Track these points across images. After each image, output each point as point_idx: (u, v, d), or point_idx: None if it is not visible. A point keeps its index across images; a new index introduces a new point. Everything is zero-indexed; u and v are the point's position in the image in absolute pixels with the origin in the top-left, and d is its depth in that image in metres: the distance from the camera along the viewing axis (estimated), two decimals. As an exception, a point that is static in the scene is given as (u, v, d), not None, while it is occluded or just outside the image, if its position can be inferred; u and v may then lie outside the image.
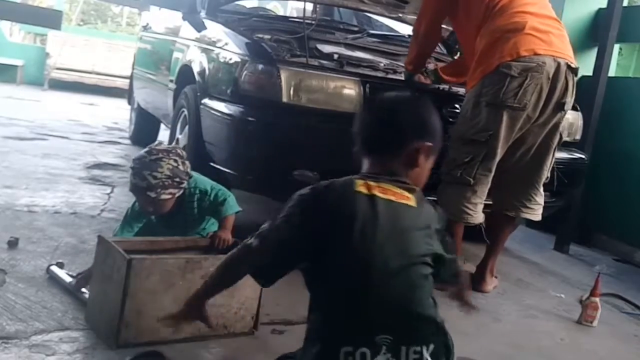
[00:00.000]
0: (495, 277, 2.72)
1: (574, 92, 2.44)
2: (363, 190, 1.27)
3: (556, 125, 2.47)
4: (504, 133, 2.34)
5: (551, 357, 2.13)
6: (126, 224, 2.13)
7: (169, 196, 1.99)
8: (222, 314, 1.79)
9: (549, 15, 2.45)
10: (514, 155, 2.46)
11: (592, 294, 2.44)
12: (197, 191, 2.09)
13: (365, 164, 1.38)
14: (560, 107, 2.41)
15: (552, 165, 2.56)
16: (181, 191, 2.03)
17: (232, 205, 2.10)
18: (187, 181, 2.05)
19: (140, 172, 1.96)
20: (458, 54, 2.96)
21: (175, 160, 2.00)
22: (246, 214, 2.17)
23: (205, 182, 2.13)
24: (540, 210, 2.57)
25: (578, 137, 2.98)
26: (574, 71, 2.39)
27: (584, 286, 2.88)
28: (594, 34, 3.98)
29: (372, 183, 1.29)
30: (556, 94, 2.37)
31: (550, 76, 2.32)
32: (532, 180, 2.53)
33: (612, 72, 4.11)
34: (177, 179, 2.00)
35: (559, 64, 2.33)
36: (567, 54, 2.37)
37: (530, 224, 3.53)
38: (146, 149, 2.04)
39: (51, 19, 3.70)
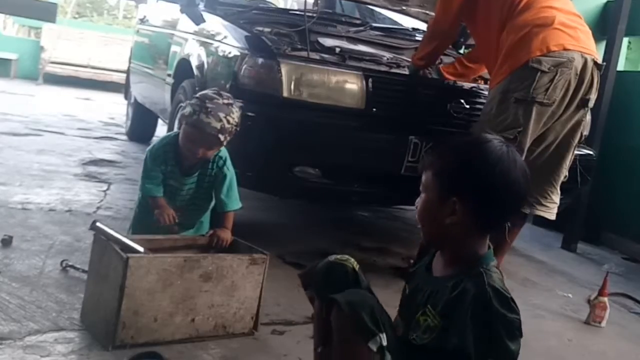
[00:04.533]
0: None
1: (598, 88, 2.43)
2: None
3: (578, 123, 2.45)
4: (531, 129, 2.32)
5: (559, 358, 2.10)
6: (147, 176, 2.04)
7: (225, 143, 1.99)
8: (222, 314, 1.77)
9: (573, 11, 2.44)
10: (533, 152, 2.43)
11: (601, 293, 2.42)
12: (224, 157, 2.07)
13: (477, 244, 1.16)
14: (584, 103, 2.40)
15: (571, 163, 2.53)
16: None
17: (236, 199, 2.08)
18: None
19: (217, 113, 1.92)
20: (463, 48, 2.92)
21: (240, 109, 2.01)
22: (246, 211, 2.13)
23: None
24: (555, 209, 2.54)
25: (586, 132, 2.94)
26: (599, 67, 2.38)
27: (592, 285, 2.86)
28: (602, 27, 3.94)
29: None
30: (582, 90, 2.36)
31: (578, 72, 2.31)
32: (549, 178, 2.50)
33: (620, 66, 4.09)
34: (238, 128, 1.99)
35: (586, 60, 2.32)
36: (593, 50, 2.37)
37: (537, 222, 3.51)
38: (213, 91, 2.00)
39: (46, 12, 3.62)
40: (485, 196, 1.11)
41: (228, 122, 1.94)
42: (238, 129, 1.99)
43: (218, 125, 1.92)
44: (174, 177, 2.07)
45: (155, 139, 5.19)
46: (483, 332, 1.04)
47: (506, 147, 1.13)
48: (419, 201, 1.19)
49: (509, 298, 1.08)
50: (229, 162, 2.08)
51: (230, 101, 1.99)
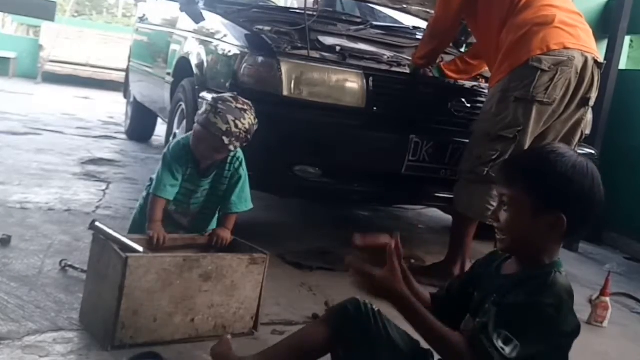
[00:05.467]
0: None
1: (599, 87, 2.42)
2: None
3: (579, 122, 2.44)
4: (531, 128, 2.30)
5: (560, 359, 2.08)
6: (169, 173, 1.97)
7: (233, 149, 1.95)
8: (221, 314, 1.76)
9: (574, 10, 2.43)
10: None
11: (602, 293, 2.41)
12: (240, 159, 2.03)
13: (554, 250, 1.21)
14: (585, 102, 2.39)
15: None
16: (240, 147, 1.99)
17: (246, 200, 2.06)
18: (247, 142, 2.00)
19: (225, 115, 1.91)
20: (464, 47, 2.91)
21: (255, 118, 1.98)
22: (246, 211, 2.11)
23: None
24: None
25: (588, 131, 2.93)
26: (600, 66, 2.38)
27: (594, 285, 2.84)
28: (604, 25, 3.93)
29: None
30: (582, 89, 2.35)
31: (578, 71, 2.30)
32: None
33: (622, 65, 4.07)
34: (249, 137, 1.96)
35: (586, 59, 2.31)
36: (593, 48, 2.36)
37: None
38: (230, 95, 1.99)
39: (45, 10, 3.61)
40: (588, 209, 1.16)
41: (236, 126, 1.90)
42: (249, 136, 1.96)
43: (224, 127, 1.89)
44: (191, 180, 2.03)
45: (155, 138, 5.19)
46: (522, 314, 1.09)
47: (586, 160, 1.19)
48: (503, 215, 1.20)
49: (567, 304, 1.11)
50: (244, 163, 2.05)
51: (245, 107, 1.96)
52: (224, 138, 1.90)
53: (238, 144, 1.95)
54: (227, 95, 2.00)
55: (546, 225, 1.15)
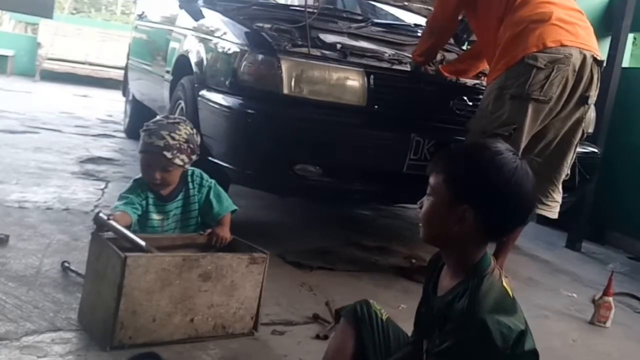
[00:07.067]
0: (505, 276, 2.67)
1: (599, 85, 2.40)
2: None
3: (579, 120, 2.42)
4: (527, 127, 2.29)
5: (563, 359, 2.07)
6: (120, 197, 1.99)
7: (181, 163, 1.95)
8: (221, 314, 1.75)
9: (573, 7, 2.42)
10: (532, 151, 2.40)
11: (605, 293, 2.40)
12: (199, 173, 2.05)
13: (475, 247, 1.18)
14: (584, 100, 2.37)
15: (572, 161, 2.50)
16: (190, 162, 1.99)
17: (228, 202, 2.06)
18: (196, 155, 2.01)
19: (158, 131, 1.93)
20: (465, 44, 2.90)
21: (192, 128, 2.01)
22: (246, 210, 2.10)
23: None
24: (557, 208, 2.52)
25: (591, 130, 2.93)
26: (600, 64, 2.35)
27: (597, 285, 2.83)
28: (607, 23, 3.92)
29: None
30: (581, 87, 2.33)
31: (576, 69, 2.28)
32: (550, 176, 2.47)
33: (625, 63, 4.06)
34: (192, 146, 1.97)
35: (584, 56, 2.29)
36: (592, 46, 2.34)
37: (541, 220, 3.49)
38: (161, 115, 2.04)
39: (43, 7, 3.60)
40: (498, 207, 1.13)
41: (173, 138, 1.91)
42: (193, 146, 1.97)
43: (161, 142, 1.90)
44: (156, 210, 2.01)
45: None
46: (455, 355, 1.08)
47: (519, 160, 1.15)
48: (425, 203, 1.20)
49: (488, 330, 1.08)
50: (204, 175, 2.06)
51: (177, 120, 2.00)
52: (166, 153, 1.91)
53: (184, 157, 1.94)
54: (157, 117, 2.05)
55: (456, 218, 1.13)
